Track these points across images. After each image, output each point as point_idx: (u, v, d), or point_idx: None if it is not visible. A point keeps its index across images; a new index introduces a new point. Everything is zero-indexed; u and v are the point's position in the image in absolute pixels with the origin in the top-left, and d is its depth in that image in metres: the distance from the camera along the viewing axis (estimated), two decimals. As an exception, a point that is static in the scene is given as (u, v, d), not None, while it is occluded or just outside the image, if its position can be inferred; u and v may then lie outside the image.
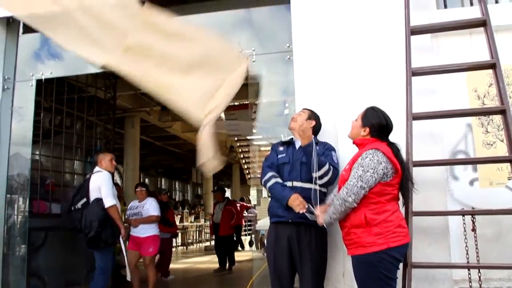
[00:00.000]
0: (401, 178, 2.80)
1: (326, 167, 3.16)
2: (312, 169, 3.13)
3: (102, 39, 3.54)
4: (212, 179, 23.38)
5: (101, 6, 3.55)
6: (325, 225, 2.94)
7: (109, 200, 4.68)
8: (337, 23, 3.91)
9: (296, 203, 3.20)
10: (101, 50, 3.54)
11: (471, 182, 3.71)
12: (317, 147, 3.38)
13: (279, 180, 3.40)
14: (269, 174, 3.44)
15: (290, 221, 3.30)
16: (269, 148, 3.88)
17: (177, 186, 30.49)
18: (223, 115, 12.97)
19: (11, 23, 5.14)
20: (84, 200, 4.74)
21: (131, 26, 3.54)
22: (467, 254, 3.22)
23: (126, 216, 6.12)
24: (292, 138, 3.60)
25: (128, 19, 3.55)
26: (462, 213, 3.24)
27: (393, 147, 2.84)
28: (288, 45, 4.21)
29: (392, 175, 2.73)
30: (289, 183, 3.37)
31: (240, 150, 16.30)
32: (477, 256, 3.18)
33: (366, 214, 2.66)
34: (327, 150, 3.41)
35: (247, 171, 20.68)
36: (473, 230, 3.19)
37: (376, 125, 2.88)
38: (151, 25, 3.54)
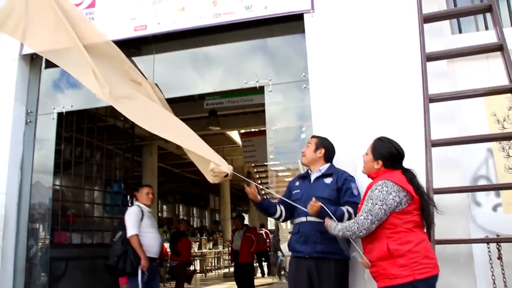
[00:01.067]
0: (420, 204, 2.75)
1: (346, 216, 3.12)
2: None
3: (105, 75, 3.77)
4: (230, 205, 23.31)
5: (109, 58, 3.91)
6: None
7: (130, 231, 4.78)
8: (352, 51, 3.94)
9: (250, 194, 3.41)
10: (100, 83, 3.73)
11: (494, 208, 3.62)
12: (332, 178, 3.34)
13: None
14: None
15: (307, 256, 3.26)
16: (287, 173, 3.86)
17: (195, 212, 30.48)
18: (240, 142, 13.14)
19: (34, 59, 5.31)
20: (120, 232, 4.89)
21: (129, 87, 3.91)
22: (494, 283, 3.13)
23: None
24: (308, 171, 3.57)
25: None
26: (487, 241, 3.17)
27: (408, 174, 2.81)
28: (304, 74, 4.24)
29: (407, 202, 2.69)
30: (303, 218, 3.34)
31: (257, 176, 16.30)
32: (505, 285, 3.10)
33: (389, 245, 2.61)
34: (346, 182, 3.33)
35: (265, 197, 20.60)
36: (499, 258, 3.11)
37: (388, 155, 2.87)
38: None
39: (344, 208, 3.16)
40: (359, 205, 2.90)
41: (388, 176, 2.75)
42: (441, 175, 3.25)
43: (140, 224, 4.86)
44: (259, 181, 17.39)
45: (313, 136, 3.65)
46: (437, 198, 3.12)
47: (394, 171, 2.82)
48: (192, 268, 11.68)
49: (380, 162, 2.87)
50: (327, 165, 3.50)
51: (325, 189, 3.31)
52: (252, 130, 12.29)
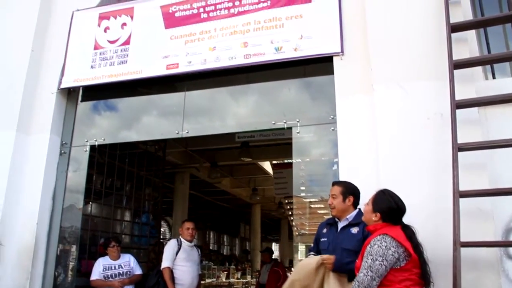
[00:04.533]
0: (419, 263, 2.66)
1: None
2: None
3: None
4: (260, 234, 23.12)
5: None
6: None
7: (162, 263, 5.06)
8: (381, 95, 3.91)
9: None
10: None
11: (528, 262, 3.45)
12: (358, 228, 3.23)
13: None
14: None
15: None
16: (317, 206, 3.78)
17: (225, 240, 30.36)
18: (271, 172, 13.09)
19: (71, 92, 5.54)
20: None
21: None
22: None
23: (103, 278, 5.09)
24: (335, 218, 3.45)
25: None
26: (518, 300, 3.02)
27: (407, 231, 2.74)
28: (332, 116, 4.23)
29: (405, 260, 2.62)
30: None
31: (288, 206, 16.16)
32: None
33: None
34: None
35: (295, 228, 20.40)
36: (531, 318, 2.95)
37: (387, 209, 2.81)
38: None
39: None
40: (357, 261, 2.81)
41: (386, 231, 2.69)
42: (469, 226, 3.15)
43: (175, 258, 5.07)
44: (290, 212, 17.25)
45: (335, 184, 3.50)
46: (465, 251, 3.01)
47: (393, 226, 2.75)
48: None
49: (378, 215, 2.82)
50: (355, 212, 3.37)
51: (351, 240, 3.21)
52: (285, 161, 12.22)
